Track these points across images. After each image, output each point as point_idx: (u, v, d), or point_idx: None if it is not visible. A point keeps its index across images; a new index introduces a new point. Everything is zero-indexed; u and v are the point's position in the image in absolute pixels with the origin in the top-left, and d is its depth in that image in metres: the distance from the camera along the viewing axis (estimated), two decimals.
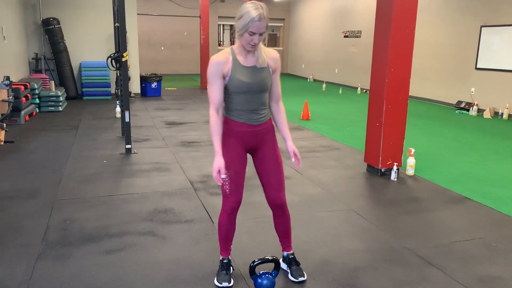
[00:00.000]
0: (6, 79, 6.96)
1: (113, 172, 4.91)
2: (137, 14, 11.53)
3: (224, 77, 2.43)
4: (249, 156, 2.66)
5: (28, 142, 6.23)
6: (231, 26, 19.53)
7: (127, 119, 5.75)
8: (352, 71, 14.53)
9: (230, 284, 2.63)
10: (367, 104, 5.21)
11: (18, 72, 9.19)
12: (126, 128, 5.76)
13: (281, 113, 2.65)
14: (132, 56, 11.26)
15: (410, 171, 5.01)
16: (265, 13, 2.32)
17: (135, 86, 11.68)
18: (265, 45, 2.56)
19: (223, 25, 19.41)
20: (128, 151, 5.75)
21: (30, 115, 8.09)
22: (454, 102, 10.44)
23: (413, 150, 5.05)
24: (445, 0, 10.61)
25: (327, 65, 16.20)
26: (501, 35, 9.18)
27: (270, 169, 2.61)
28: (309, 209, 3.92)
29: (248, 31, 2.32)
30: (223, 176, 2.42)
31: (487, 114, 9.29)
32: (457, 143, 6.77)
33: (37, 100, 8.58)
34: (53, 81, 9.27)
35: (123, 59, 5.73)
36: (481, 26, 9.61)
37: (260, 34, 2.34)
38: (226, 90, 2.46)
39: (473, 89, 9.96)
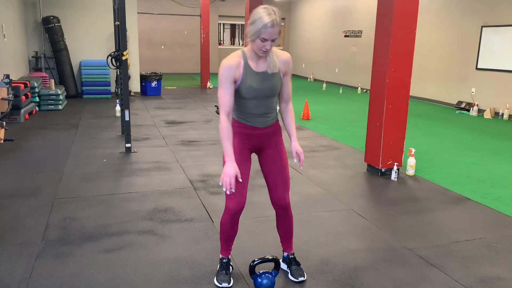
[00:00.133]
0: (6, 77, 6.94)
1: (113, 171, 4.91)
2: (138, 13, 11.52)
3: (235, 82, 2.39)
4: (254, 156, 2.65)
5: (27, 140, 6.22)
6: (232, 25, 19.54)
7: (127, 118, 5.74)
8: (353, 71, 14.52)
9: (230, 285, 2.63)
10: (367, 104, 5.20)
11: (18, 71, 9.18)
12: (126, 127, 5.75)
13: (289, 112, 2.64)
14: (132, 55, 11.25)
15: (411, 171, 5.01)
16: (278, 19, 2.26)
17: (135, 85, 11.67)
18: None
19: (224, 24, 19.39)
20: (128, 150, 5.74)
21: (30, 113, 8.08)
22: (455, 102, 10.44)
23: (413, 150, 5.04)
24: (446, 0, 10.60)
25: (327, 64, 16.19)
26: (502, 35, 9.17)
27: (275, 170, 2.60)
28: (309, 209, 3.91)
29: (260, 37, 2.26)
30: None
31: (487, 115, 9.29)
32: (458, 143, 6.77)
33: (37, 99, 8.57)
34: (53, 80, 9.26)
35: (123, 58, 5.72)
36: (482, 26, 9.61)
37: (272, 40, 2.29)
38: (235, 94, 2.43)
39: (473, 90, 9.96)
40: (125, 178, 4.67)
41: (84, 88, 10.69)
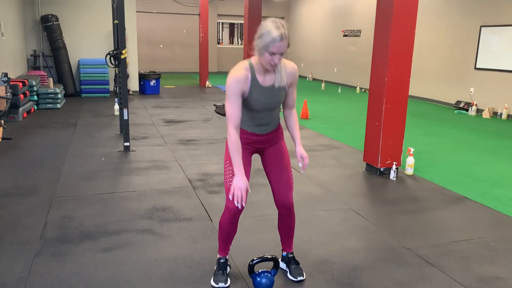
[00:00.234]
0: (4, 76, 6.93)
1: (112, 170, 4.90)
2: (136, 11, 11.50)
3: (242, 95, 2.38)
4: (255, 156, 2.65)
5: (26, 139, 6.20)
6: (230, 24, 19.52)
7: (125, 117, 5.73)
8: (351, 71, 14.52)
9: (227, 285, 2.61)
10: (366, 103, 5.21)
11: (16, 69, 9.16)
12: (124, 126, 5.74)
13: (293, 118, 2.63)
14: (131, 54, 11.23)
15: (409, 171, 5.01)
16: (286, 32, 2.22)
17: (133, 84, 11.65)
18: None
19: (222, 23, 19.37)
20: (127, 148, 5.73)
21: (28, 112, 8.06)
22: (453, 102, 10.45)
23: (412, 150, 5.04)
24: (445, 0, 10.61)
25: (326, 64, 16.19)
26: (501, 35, 9.18)
27: (278, 169, 2.61)
28: (308, 208, 3.91)
29: (268, 51, 2.23)
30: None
31: (486, 114, 9.30)
32: (456, 143, 6.77)
33: (35, 97, 8.55)
34: (51, 78, 9.24)
35: (122, 57, 5.71)
36: (481, 26, 9.61)
37: (281, 54, 2.26)
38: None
39: (472, 89, 9.97)
40: (123, 177, 4.66)
41: (82, 86, 10.67)
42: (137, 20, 11.65)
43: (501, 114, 9.18)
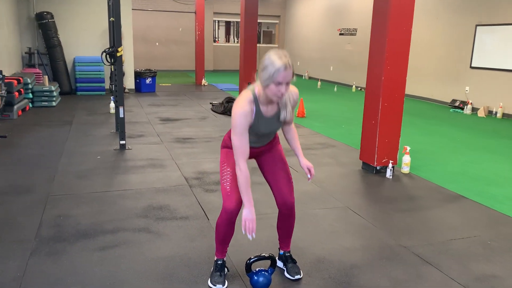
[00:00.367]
0: None
1: (108, 168, 4.87)
2: (132, 9, 11.44)
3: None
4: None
5: (21, 137, 6.17)
6: (226, 22, 19.49)
7: (121, 115, 5.70)
8: (347, 69, 14.53)
9: (224, 287, 2.60)
10: (362, 102, 5.20)
11: (11, 67, 9.10)
12: (120, 124, 5.72)
13: (292, 131, 2.64)
14: (127, 52, 11.17)
15: (405, 169, 5.02)
16: (290, 62, 2.21)
17: (129, 82, 11.60)
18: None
19: (218, 21, 19.33)
20: (123, 147, 5.71)
21: (23, 110, 8.01)
22: (449, 101, 10.48)
23: (408, 148, 5.05)
24: None
25: (322, 62, 16.19)
26: (496, 34, 9.21)
27: (277, 170, 2.63)
28: (305, 206, 3.91)
29: (274, 81, 2.20)
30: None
31: (481, 113, 9.33)
32: (452, 141, 6.79)
33: (30, 95, 8.50)
34: (46, 76, 9.19)
35: (118, 54, 5.68)
36: (476, 25, 9.64)
37: (287, 83, 2.24)
38: None
39: (467, 88, 10.00)
40: (119, 175, 4.64)
41: (78, 84, 10.62)
42: (133, 18, 11.60)
43: (496, 112, 9.21)
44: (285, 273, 2.76)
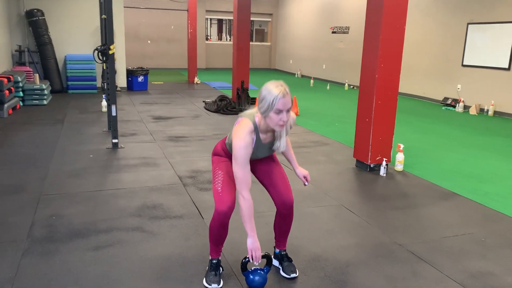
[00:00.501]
0: None
1: (100, 167, 4.83)
2: (124, 6, 11.36)
3: None
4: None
5: (12, 136, 6.09)
6: (219, 20, 19.42)
7: (113, 113, 5.66)
8: (340, 67, 14.55)
9: (219, 286, 2.58)
10: (355, 100, 5.21)
11: (0, 65, 8.98)
12: (112, 122, 5.67)
13: (287, 144, 2.66)
14: (119, 50, 11.09)
15: (399, 167, 5.03)
16: (287, 89, 2.25)
17: (121, 80, 11.52)
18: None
19: (211, 19, 19.26)
20: (115, 145, 5.66)
21: (14, 108, 7.92)
22: (441, 99, 10.53)
23: (402, 146, 5.06)
24: None
25: (315, 61, 16.20)
26: (487, 33, 9.27)
27: (273, 172, 2.64)
28: (300, 205, 3.89)
29: (274, 109, 2.22)
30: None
31: (472, 111, 9.39)
32: (445, 139, 6.83)
33: (21, 93, 8.40)
34: (37, 74, 9.08)
35: (110, 52, 5.62)
36: (468, 24, 9.69)
37: (287, 111, 2.26)
38: None
39: (459, 86, 10.05)
40: (112, 174, 4.60)
41: (69, 83, 10.51)
42: (124, 15, 11.51)
43: (487, 110, 9.27)
44: (281, 271, 2.75)
